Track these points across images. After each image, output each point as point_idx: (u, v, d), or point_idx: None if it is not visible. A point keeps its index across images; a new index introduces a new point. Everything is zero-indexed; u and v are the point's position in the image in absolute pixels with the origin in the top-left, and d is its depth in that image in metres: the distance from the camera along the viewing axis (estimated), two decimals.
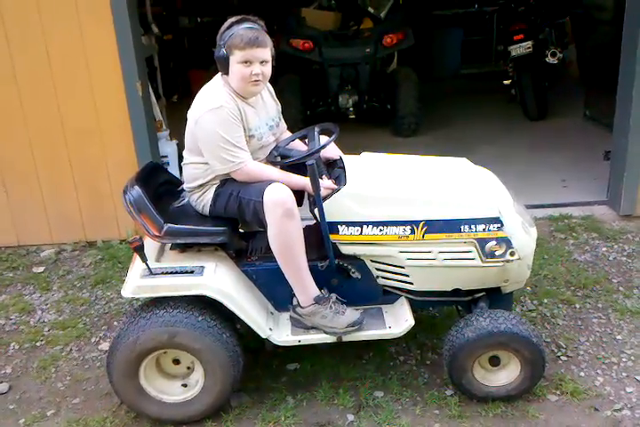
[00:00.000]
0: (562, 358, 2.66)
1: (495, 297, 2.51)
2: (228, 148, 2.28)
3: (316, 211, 2.37)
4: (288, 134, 2.70)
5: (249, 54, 2.28)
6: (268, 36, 2.34)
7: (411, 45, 6.00)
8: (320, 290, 2.39)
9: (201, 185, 2.44)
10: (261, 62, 2.31)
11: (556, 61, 5.94)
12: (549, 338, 2.79)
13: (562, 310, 3.00)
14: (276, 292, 2.46)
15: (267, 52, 2.33)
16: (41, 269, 3.72)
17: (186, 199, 2.56)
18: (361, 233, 2.36)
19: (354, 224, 2.36)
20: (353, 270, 2.45)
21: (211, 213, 2.44)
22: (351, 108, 5.89)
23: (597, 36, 6.67)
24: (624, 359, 2.64)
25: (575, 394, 2.43)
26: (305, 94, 5.92)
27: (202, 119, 2.29)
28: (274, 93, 2.62)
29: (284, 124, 2.67)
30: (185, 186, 2.53)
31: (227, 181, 2.40)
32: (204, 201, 2.45)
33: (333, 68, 5.91)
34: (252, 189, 2.32)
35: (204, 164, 2.38)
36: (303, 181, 2.36)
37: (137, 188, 2.36)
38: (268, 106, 2.52)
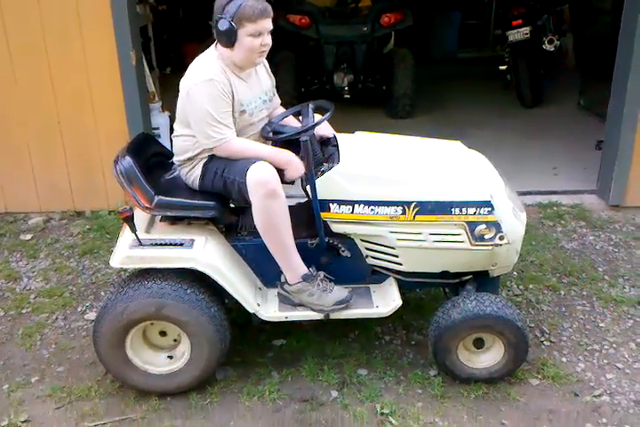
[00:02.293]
0: (545, 343, 2.70)
1: (482, 280, 2.53)
2: (212, 123, 2.25)
3: (308, 188, 2.36)
4: (282, 110, 2.67)
5: (260, 26, 2.25)
6: None
7: (409, 26, 5.93)
8: (308, 268, 2.39)
9: (190, 158, 2.41)
10: (268, 33, 2.30)
11: (552, 49, 5.92)
12: (533, 323, 2.82)
13: (547, 296, 3.04)
14: (265, 268, 2.46)
15: (271, 22, 2.31)
16: (28, 236, 3.69)
17: (177, 172, 2.53)
18: (352, 212, 2.36)
19: (345, 203, 2.35)
20: (343, 249, 2.45)
21: (200, 188, 2.43)
22: (346, 88, 5.83)
23: (595, 26, 6.63)
24: (606, 347, 2.68)
25: (556, 379, 2.47)
26: (300, 71, 5.85)
27: (192, 91, 2.26)
28: (268, 68, 2.59)
29: (277, 100, 2.64)
30: (175, 159, 2.50)
31: (214, 157, 2.38)
32: (193, 175, 2.42)
33: (329, 45, 5.84)
34: (235, 169, 2.29)
35: (193, 136, 2.35)
36: (288, 157, 2.32)
37: (128, 158, 2.33)
38: (261, 80, 2.49)
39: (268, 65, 2.58)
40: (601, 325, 2.83)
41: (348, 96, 5.85)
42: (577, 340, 2.73)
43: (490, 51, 8.02)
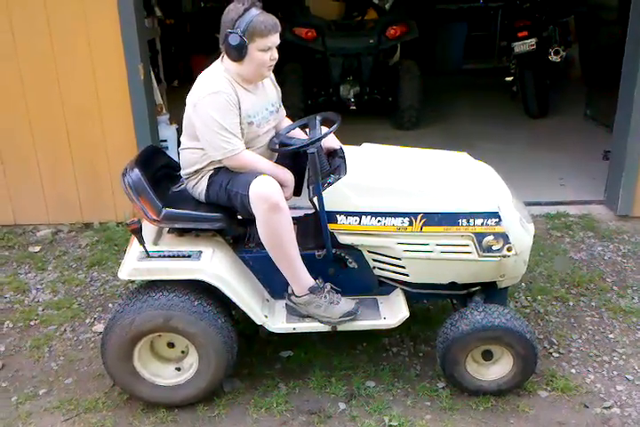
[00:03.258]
0: (554, 354, 2.68)
1: (490, 292, 2.52)
2: (222, 134, 2.27)
3: (315, 200, 2.37)
4: (287, 122, 2.69)
5: (270, 41, 2.29)
6: None
7: (414, 38, 5.97)
8: (315, 280, 2.39)
9: (197, 171, 2.42)
10: (276, 46, 2.33)
11: (558, 60, 5.94)
12: (542, 334, 2.81)
13: (555, 307, 3.02)
14: (273, 279, 2.46)
15: (279, 36, 2.34)
16: (37, 248, 3.71)
17: (184, 184, 2.55)
18: (359, 223, 2.36)
19: (352, 214, 2.36)
20: (350, 260, 2.45)
21: (206, 200, 2.43)
22: (352, 99, 5.87)
23: (601, 36, 6.66)
24: (615, 358, 2.66)
25: (566, 390, 2.45)
26: (307, 84, 5.89)
27: (199, 103, 2.28)
28: (274, 79, 2.61)
29: (283, 111, 2.66)
30: (182, 172, 2.51)
31: (219, 170, 2.39)
32: (199, 188, 2.44)
33: (336, 58, 5.88)
34: (239, 181, 2.30)
35: (201, 149, 2.37)
36: (288, 177, 2.35)
37: (136, 171, 2.35)
38: (267, 91, 2.51)
39: (273, 77, 2.60)
40: (610, 336, 2.81)
41: (355, 108, 5.88)
42: (586, 351, 2.71)
43: (496, 62, 8.05)
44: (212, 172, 2.41)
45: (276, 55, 2.33)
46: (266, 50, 2.29)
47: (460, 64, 8.18)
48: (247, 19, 2.25)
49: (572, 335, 2.81)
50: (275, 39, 2.30)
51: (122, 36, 3.63)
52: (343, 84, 5.89)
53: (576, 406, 2.39)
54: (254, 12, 2.27)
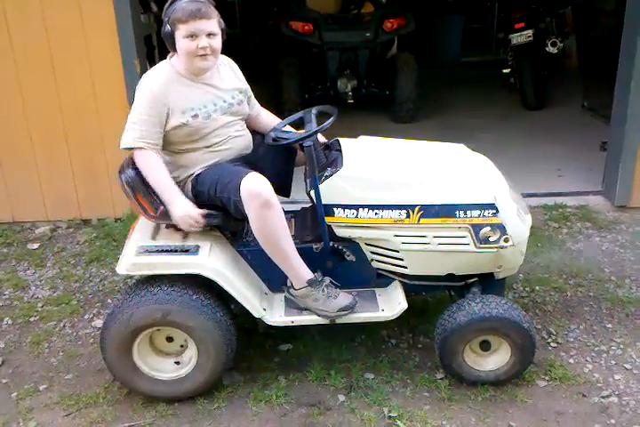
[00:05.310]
0: (552, 344, 2.69)
1: (488, 283, 2.52)
2: (130, 124, 2.28)
3: (312, 193, 2.37)
4: (268, 115, 2.67)
5: (193, 27, 2.24)
6: (212, 7, 2.30)
7: (411, 31, 5.96)
8: (314, 273, 2.39)
9: (177, 179, 2.41)
10: (208, 35, 2.27)
11: (555, 51, 5.92)
12: (540, 325, 2.81)
13: (553, 297, 3.03)
14: (271, 273, 2.46)
15: (212, 24, 2.28)
16: (35, 245, 3.71)
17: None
18: (356, 216, 2.36)
19: (349, 207, 2.36)
20: (347, 253, 2.46)
21: (199, 204, 2.42)
22: (350, 93, 5.85)
23: (598, 27, 6.65)
24: (613, 347, 2.67)
25: (564, 380, 2.46)
26: (304, 78, 5.88)
27: (136, 92, 2.32)
28: (238, 71, 2.57)
29: (255, 106, 2.62)
30: None
31: (198, 179, 2.38)
32: (187, 194, 2.42)
33: (333, 51, 5.87)
34: (227, 187, 2.28)
35: (172, 156, 2.36)
36: (172, 198, 2.27)
37: (133, 167, 2.35)
38: (225, 83, 2.46)
39: (237, 68, 2.57)
40: (608, 326, 2.82)
41: (352, 101, 5.87)
42: (584, 341, 2.71)
43: (493, 54, 8.02)
44: (191, 181, 2.40)
45: (205, 43, 2.25)
46: (191, 37, 2.25)
47: (458, 57, 8.16)
48: (173, 6, 2.26)
49: (571, 325, 2.82)
50: (199, 26, 2.24)
51: (118, 31, 3.62)
52: (340, 78, 5.88)
53: (574, 395, 2.40)
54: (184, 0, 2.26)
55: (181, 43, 2.27)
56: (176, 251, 2.32)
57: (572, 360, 2.59)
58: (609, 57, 4.10)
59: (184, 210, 2.27)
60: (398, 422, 2.26)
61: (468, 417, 2.30)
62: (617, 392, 2.41)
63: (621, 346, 2.68)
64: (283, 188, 2.58)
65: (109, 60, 3.66)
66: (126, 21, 3.62)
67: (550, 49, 5.88)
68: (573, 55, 7.23)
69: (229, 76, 2.51)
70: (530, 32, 5.86)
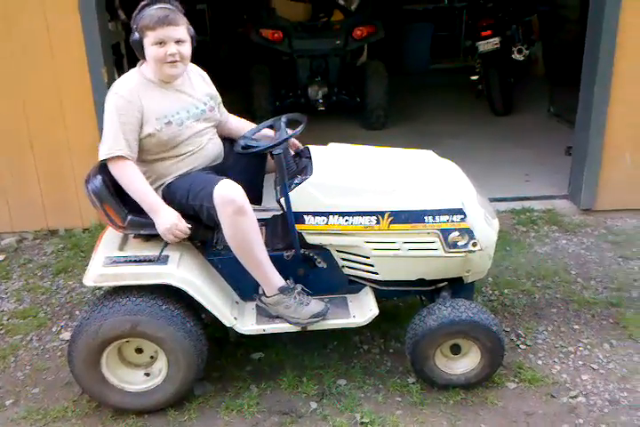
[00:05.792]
0: (521, 346, 2.72)
1: (457, 287, 2.55)
2: (105, 134, 2.26)
3: (282, 201, 2.37)
4: (237, 121, 2.67)
5: (161, 34, 2.24)
6: (181, 14, 2.31)
7: (381, 39, 6.02)
8: (286, 280, 2.39)
9: None
10: (177, 42, 2.27)
11: (522, 58, 6.04)
12: (509, 327, 2.85)
13: (522, 300, 3.07)
14: (242, 281, 2.46)
15: (180, 31, 2.28)
16: (1, 257, 3.64)
17: None
18: (327, 223, 2.37)
19: (320, 214, 2.37)
20: (318, 260, 2.46)
21: None
22: (320, 100, 5.88)
23: (563, 34, 6.81)
24: (580, 348, 2.72)
25: (533, 381, 2.49)
26: (274, 85, 5.89)
27: (105, 103, 2.30)
28: (207, 78, 2.58)
29: (223, 113, 2.63)
30: None
31: (170, 187, 2.37)
32: None
33: (303, 59, 5.89)
34: (200, 194, 2.27)
35: (141, 166, 2.35)
36: (155, 207, 2.25)
37: (99, 177, 2.33)
38: (196, 90, 2.46)
39: (206, 75, 2.58)
40: (575, 327, 2.87)
41: (323, 108, 5.90)
42: (552, 342, 2.76)
43: (461, 61, 8.16)
44: (163, 189, 2.38)
45: (173, 50, 2.26)
46: (159, 44, 2.25)
47: (428, 64, 8.26)
48: (141, 14, 2.27)
49: (539, 327, 2.86)
50: (167, 33, 2.24)
51: (84, 39, 3.59)
52: (311, 86, 5.90)
53: (543, 396, 2.43)
54: (153, 6, 2.27)
55: (150, 50, 2.27)
56: (144, 261, 2.30)
57: (540, 362, 2.63)
58: (574, 63, 4.20)
59: (171, 221, 2.24)
60: None
61: (440, 421, 2.32)
62: (584, 392, 2.45)
63: (588, 347, 2.73)
64: (254, 195, 2.58)
65: (76, 68, 3.63)
66: (93, 29, 3.59)
67: (517, 56, 6.00)
68: (539, 62, 7.38)
69: (199, 82, 2.51)
70: (496, 40, 5.97)
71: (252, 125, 2.68)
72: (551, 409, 2.37)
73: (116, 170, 2.27)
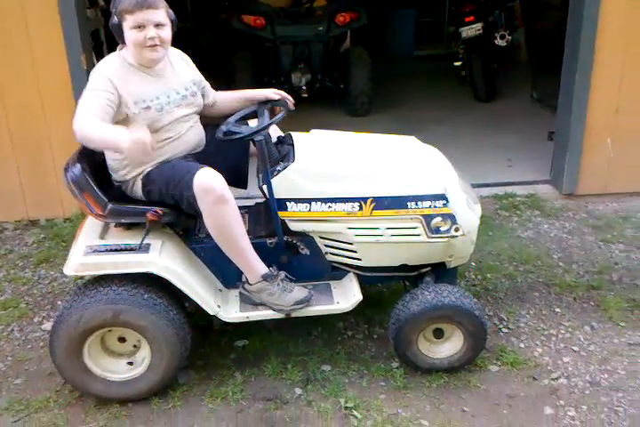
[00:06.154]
0: (503, 330, 2.75)
1: (440, 272, 2.56)
2: (85, 105, 2.18)
3: (264, 188, 2.36)
4: (223, 101, 2.64)
5: (140, 17, 2.21)
6: None
7: (363, 25, 5.98)
8: (269, 267, 2.38)
9: (124, 180, 2.37)
10: (156, 26, 2.24)
11: (505, 44, 6.03)
12: (492, 311, 2.88)
13: (504, 284, 3.10)
14: (225, 269, 2.45)
15: (160, 14, 2.25)
16: None
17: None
18: (309, 210, 2.37)
19: (302, 201, 2.36)
20: (302, 247, 2.46)
21: (150, 201, 2.37)
22: (304, 87, 5.84)
23: (545, 20, 6.81)
24: (562, 331, 2.75)
25: (515, 364, 2.52)
26: (257, 72, 5.84)
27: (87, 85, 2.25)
28: (190, 62, 2.55)
29: (210, 95, 2.59)
30: (112, 177, 2.44)
31: (149, 176, 2.34)
32: (137, 193, 2.39)
33: (286, 45, 5.84)
34: (179, 184, 2.24)
35: (117, 153, 2.30)
36: (115, 135, 2.07)
37: (78, 165, 2.30)
38: (179, 74, 2.43)
39: (189, 59, 2.55)
40: (557, 310, 2.90)
41: (306, 95, 5.85)
42: (534, 325, 2.79)
43: (445, 47, 8.13)
44: (141, 179, 2.35)
45: (153, 34, 2.22)
46: (138, 27, 2.22)
47: (411, 50, 8.22)
48: None
49: (521, 311, 2.89)
50: (146, 16, 2.21)
51: (62, 26, 3.52)
52: (294, 72, 5.85)
53: (525, 378, 2.46)
54: None
55: (129, 34, 2.24)
56: (125, 250, 2.28)
57: (522, 345, 2.66)
58: (556, 49, 4.20)
59: (129, 136, 2.03)
60: (354, 413, 2.28)
61: (423, 404, 2.34)
62: (566, 374, 2.48)
63: (570, 329, 2.76)
64: (239, 180, 2.57)
65: (54, 56, 3.56)
66: (71, 16, 3.52)
67: (499, 42, 5.99)
68: (522, 48, 7.38)
69: (182, 67, 2.48)
70: (479, 25, 5.95)
71: (240, 97, 2.64)
72: (533, 391, 2.40)
73: (76, 124, 2.14)
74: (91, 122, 2.14)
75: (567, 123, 3.95)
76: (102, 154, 2.44)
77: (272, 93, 2.61)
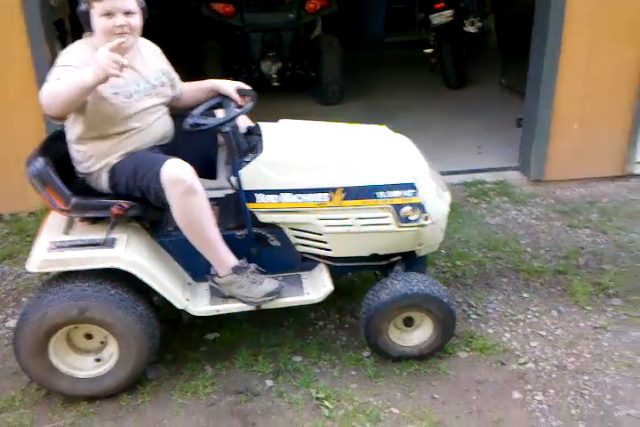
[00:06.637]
0: (472, 316, 2.78)
1: (410, 261, 2.58)
2: (51, 78, 2.11)
3: (232, 179, 2.33)
4: (189, 92, 2.59)
5: (108, 5, 2.17)
6: None
7: (334, 11, 5.93)
8: (239, 260, 2.37)
9: (89, 173, 2.32)
10: (126, 13, 2.20)
11: (475, 30, 6.04)
12: (461, 298, 2.91)
13: (473, 270, 3.13)
14: (193, 262, 2.42)
15: (129, 2, 2.21)
16: None
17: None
18: (279, 201, 2.35)
19: (271, 192, 2.35)
20: (271, 238, 2.45)
21: (116, 194, 2.33)
22: (274, 75, 5.78)
23: (515, 7, 6.81)
24: (529, 316, 2.79)
25: (484, 350, 2.55)
26: (227, 61, 5.77)
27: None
28: (160, 53, 2.52)
29: (177, 87, 2.55)
30: (75, 168, 2.38)
31: (115, 168, 2.29)
32: (102, 186, 2.34)
33: (255, 33, 5.77)
34: (147, 174, 2.20)
35: (84, 149, 2.27)
36: (85, 70, 2.01)
37: (40, 159, 2.24)
38: (148, 64, 2.39)
39: (158, 49, 2.52)
40: (524, 295, 2.94)
41: (277, 84, 5.81)
42: (502, 311, 2.83)
43: (415, 34, 8.11)
44: (107, 172, 2.30)
45: (122, 21, 2.18)
46: (107, 15, 2.18)
47: (382, 37, 8.19)
48: None
49: (490, 297, 2.92)
50: (115, 3, 2.17)
51: (24, 16, 3.42)
52: (264, 61, 5.79)
53: (493, 364, 2.50)
54: None
55: (97, 21, 2.19)
56: (90, 245, 2.24)
57: (491, 330, 2.69)
58: (525, 36, 4.22)
59: (96, 57, 1.98)
60: (325, 403, 2.29)
61: (394, 392, 2.36)
62: (533, 358, 2.53)
63: (537, 314, 2.80)
64: (208, 170, 2.54)
65: (15, 46, 3.46)
66: (33, 5, 3.43)
67: (469, 28, 5.99)
68: (492, 34, 7.40)
69: (151, 57, 2.44)
70: (450, 12, 5.93)
71: (203, 88, 2.60)
72: (501, 376, 2.43)
73: (44, 90, 2.05)
74: (54, 83, 2.08)
75: (535, 109, 3.98)
76: (65, 146, 2.38)
77: (233, 89, 2.55)
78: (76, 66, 2.15)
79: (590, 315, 2.79)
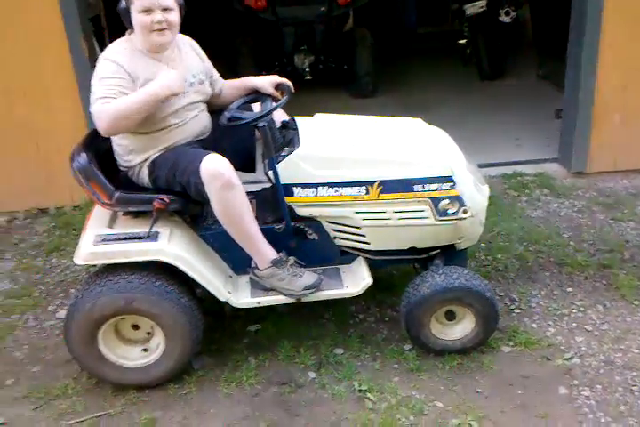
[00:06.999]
0: (515, 310, 2.75)
1: (450, 254, 2.55)
2: (101, 92, 2.17)
3: (270, 173, 2.35)
4: (229, 90, 2.62)
5: (147, 1, 2.20)
6: None
7: (365, 4, 5.89)
8: (278, 253, 2.38)
9: (130, 166, 2.37)
10: (164, 10, 2.23)
11: (509, 20, 5.93)
12: (503, 292, 2.88)
13: (515, 264, 3.09)
14: (234, 255, 2.45)
15: None
16: None
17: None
18: (316, 195, 2.36)
19: (309, 186, 2.35)
20: (310, 232, 2.45)
21: (157, 189, 2.37)
22: (307, 69, 5.78)
23: None
24: (574, 310, 2.75)
25: (528, 345, 2.52)
26: (260, 55, 5.78)
27: (95, 70, 2.24)
28: (199, 49, 2.53)
29: (218, 85, 2.58)
30: (118, 163, 2.43)
31: (155, 163, 2.33)
32: (143, 180, 2.38)
33: (288, 27, 5.76)
34: (186, 170, 2.23)
35: (126, 143, 2.31)
36: (152, 86, 2.16)
37: (84, 154, 2.30)
38: (188, 61, 2.42)
39: (197, 46, 2.53)
40: (568, 289, 2.89)
41: (310, 77, 5.80)
42: (546, 305, 2.78)
43: (449, 26, 8.00)
44: (148, 166, 2.34)
45: (160, 18, 2.21)
46: (146, 11, 2.21)
47: (415, 29, 8.11)
48: None
49: (532, 291, 2.88)
50: (153, 0, 2.20)
51: (61, 12, 3.49)
52: (297, 54, 5.80)
53: (538, 359, 2.47)
54: None
55: (137, 18, 2.23)
56: (134, 238, 2.28)
57: (534, 325, 2.66)
58: (562, 26, 4.13)
59: (162, 78, 2.17)
60: (369, 395, 2.30)
61: (437, 386, 2.35)
62: (579, 354, 2.48)
63: (581, 309, 2.76)
64: (247, 164, 2.56)
65: (54, 43, 3.54)
66: (70, 2, 3.49)
67: (504, 18, 5.89)
68: (527, 24, 7.25)
69: (190, 54, 2.46)
70: (483, 2, 5.84)
71: (242, 86, 2.62)
72: (546, 371, 2.40)
73: (100, 114, 2.16)
74: (115, 103, 2.16)
75: (575, 99, 3.89)
76: (108, 140, 2.43)
77: (270, 86, 2.57)
78: (121, 76, 2.19)
79: (637, 309, 2.73)
